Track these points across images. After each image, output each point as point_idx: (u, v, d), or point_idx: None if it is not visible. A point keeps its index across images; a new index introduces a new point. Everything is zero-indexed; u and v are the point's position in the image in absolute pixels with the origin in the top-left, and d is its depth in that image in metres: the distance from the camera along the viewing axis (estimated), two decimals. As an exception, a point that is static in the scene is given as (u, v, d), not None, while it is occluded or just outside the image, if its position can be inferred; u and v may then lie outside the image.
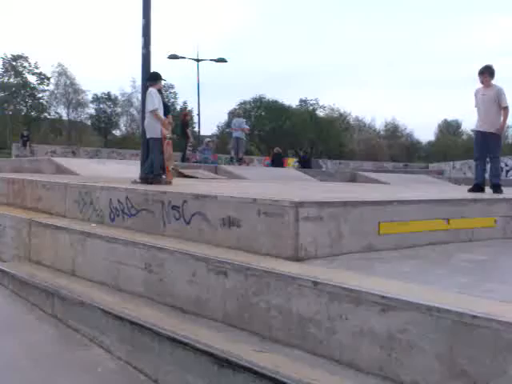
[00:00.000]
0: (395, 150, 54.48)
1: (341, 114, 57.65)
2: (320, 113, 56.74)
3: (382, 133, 60.24)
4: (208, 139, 22.50)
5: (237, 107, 50.57)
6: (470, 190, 7.99)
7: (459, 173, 28.19)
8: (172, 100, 50.56)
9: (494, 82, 7.96)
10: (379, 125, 60.84)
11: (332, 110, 57.01)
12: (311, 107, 56.46)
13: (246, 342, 3.38)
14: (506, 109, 7.87)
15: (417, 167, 35.13)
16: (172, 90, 50.98)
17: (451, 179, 18.36)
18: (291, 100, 55.90)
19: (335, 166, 34.75)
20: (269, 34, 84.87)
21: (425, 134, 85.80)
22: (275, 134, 49.59)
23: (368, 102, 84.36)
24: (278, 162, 23.75)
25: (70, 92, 50.69)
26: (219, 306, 3.80)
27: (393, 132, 59.87)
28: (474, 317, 2.48)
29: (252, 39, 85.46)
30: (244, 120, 19.23)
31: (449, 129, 60.68)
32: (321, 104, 56.75)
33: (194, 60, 30.92)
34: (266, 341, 3.38)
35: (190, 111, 36.93)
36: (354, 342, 2.96)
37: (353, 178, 16.16)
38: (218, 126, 54.77)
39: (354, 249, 4.17)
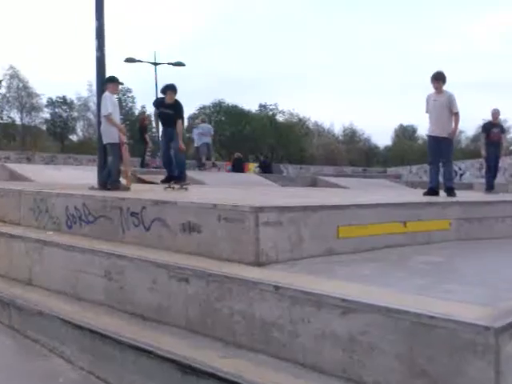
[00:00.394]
0: (354, 154, 55.39)
1: (300, 119, 58.20)
2: (280, 118, 57.13)
3: (340, 138, 61.16)
4: (167, 144, 22.23)
5: (196, 112, 50.36)
6: (425, 194, 8.22)
7: (416, 177, 28.92)
8: (130, 104, 49.83)
9: (445, 87, 8.24)
10: (338, 130, 61.76)
11: (291, 114, 57.44)
12: (271, 112, 56.82)
13: (209, 348, 3.36)
14: (457, 114, 8.16)
15: (375, 172, 35.86)
16: (130, 94, 50.16)
17: (408, 183, 18.83)
18: (251, 105, 55.97)
19: (296, 171, 35.01)
20: (228, 39, 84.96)
21: (382, 138, 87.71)
22: (235, 139, 49.62)
23: (326, 107, 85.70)
24: (238, 167, 23.76)
25: (23, 95, 49.08)
26: (181, 312, 3.77)
27: (351, 137, 60.87)
28: (432, 317, 2.55)
29: (211, 43, 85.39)
30: (211, 127, 19.29)
31: (405, 133, 62.13)
32: (280, 109, 57.17)
33: (152, 64, 30.56)
34: (230, 346, 3.37)
35: (149, 116, 36.47)
36: (317, 345, 2.99)
37: (313, 183, 16.35)
38: (177, 131, 54.31)
39: (315, 253, 4.22)
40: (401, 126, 62.15)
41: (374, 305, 2.78)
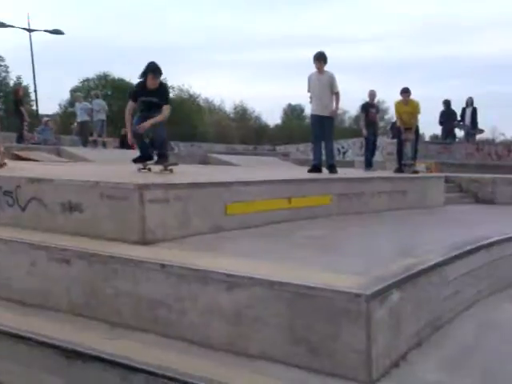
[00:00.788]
0: (245, 132, 56.10)
1: (190, 95, 57.54)
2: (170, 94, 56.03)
3: (231, 115, 61.54)
4: (47, 118, 20.84)
5: (79, 84, 47.64)
6: (309, 171, 8.54)
7: (303, 155, 29.91)
8: (3, 74, 45.74)
9: (326, 68, 8.57)
10: (229, 107, 62.05)
11: (181, 90, 56.56)
12: (160, 87, 55.41)
13: (94, 331, 3.27)
14: (337, 94, 8.53)
15: (265, 150, 36.57)
16: (2, 63, 46.02)
17: (296, 161, 19.45)
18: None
19: (187, 149, 34.63)
20: (116, 8, 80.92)
21: (272, 117, 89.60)
22: (123, 114, 47.83)
23: (216, 84, 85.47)
24: (126, 144, 22.94)
25: None
26: (64, 295, 3.62)
27: (242, 115, 61.49)
28: (311, 288, 2.69)
29: (96, 11, 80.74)
30: (105, 103, 18.36)
31: (293, 113, 64.08)
32: (170, 84, 55.98)
33: (25, 30, 28.11)
34: (117, 327, 3.30)
35: (25, 87, 33.79)
36: (205, 320, 3.03)
37: (205, 161, 16.30)
38: (59, 105, 50.96)
39: (203, 230, 4.25)
40: (289, 105, 63.92)
41: (257, 278, 2.87)
